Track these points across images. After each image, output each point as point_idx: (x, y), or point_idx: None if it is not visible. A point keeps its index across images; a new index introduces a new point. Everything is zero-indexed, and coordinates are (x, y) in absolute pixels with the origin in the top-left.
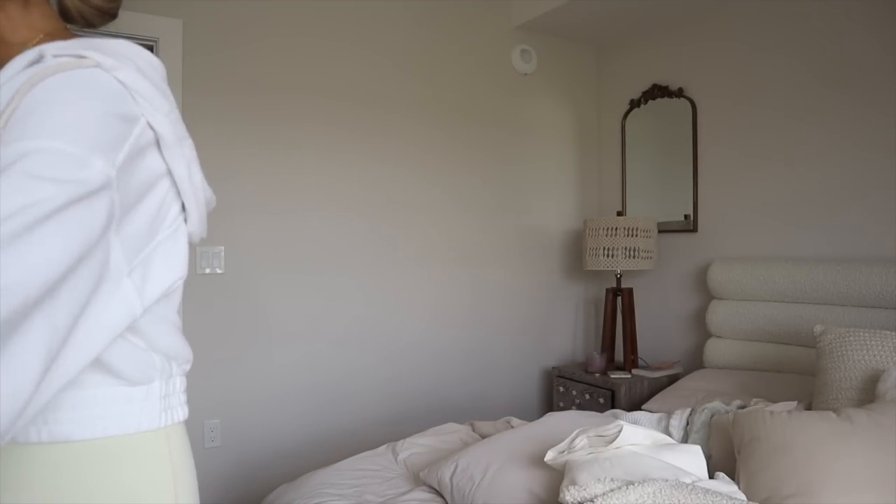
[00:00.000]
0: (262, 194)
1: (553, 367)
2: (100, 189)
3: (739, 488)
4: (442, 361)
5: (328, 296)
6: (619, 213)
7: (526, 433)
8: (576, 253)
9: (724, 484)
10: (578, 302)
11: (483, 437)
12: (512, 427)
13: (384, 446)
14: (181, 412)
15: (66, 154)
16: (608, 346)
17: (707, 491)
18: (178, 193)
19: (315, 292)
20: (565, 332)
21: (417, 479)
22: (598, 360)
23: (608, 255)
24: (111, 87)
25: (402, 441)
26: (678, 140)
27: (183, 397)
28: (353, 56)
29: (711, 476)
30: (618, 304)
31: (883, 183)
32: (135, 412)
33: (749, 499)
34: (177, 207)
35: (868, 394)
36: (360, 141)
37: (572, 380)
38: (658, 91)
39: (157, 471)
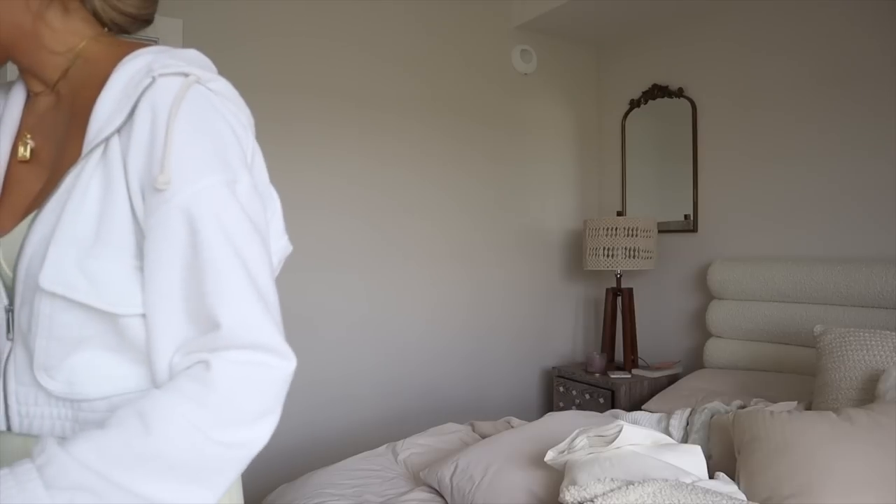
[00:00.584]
0: None
1: (553, 367)
2: (253, 192)
3: (739, 488)
4: (442, 361)
5: (329, 295)
6: (619, 213)
7: (526, 433)
8: (576, 253)
9: (724, 484)
10: (578, 302)
11: (483, 437)
12: (512, 427)
13: (384, 446)
14: None
15: (229, 183)
16: (608, 346)
17: (707, 491)
18: None
19: (315, 291)
20: (565, 332)
21: (417, 479)
22: (598, 360)
23: (608, 255)
24: (216, 102)
25: (402, 441)
26: (678, 140)
27: None
28: (354, 56)
29: (711, 476)
30: (618, 304)
31: (883, 183)
32: None
33: (749, 499)
34: None
35: (868, 394)
36: (360, 140)
37: (572, 380)
38: (658, 91)
39: None
